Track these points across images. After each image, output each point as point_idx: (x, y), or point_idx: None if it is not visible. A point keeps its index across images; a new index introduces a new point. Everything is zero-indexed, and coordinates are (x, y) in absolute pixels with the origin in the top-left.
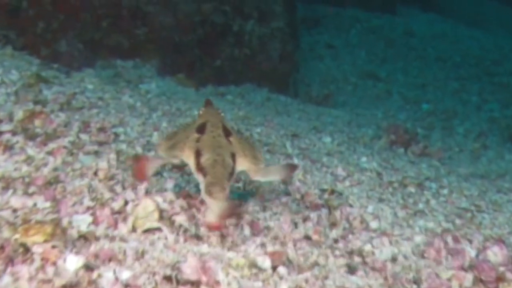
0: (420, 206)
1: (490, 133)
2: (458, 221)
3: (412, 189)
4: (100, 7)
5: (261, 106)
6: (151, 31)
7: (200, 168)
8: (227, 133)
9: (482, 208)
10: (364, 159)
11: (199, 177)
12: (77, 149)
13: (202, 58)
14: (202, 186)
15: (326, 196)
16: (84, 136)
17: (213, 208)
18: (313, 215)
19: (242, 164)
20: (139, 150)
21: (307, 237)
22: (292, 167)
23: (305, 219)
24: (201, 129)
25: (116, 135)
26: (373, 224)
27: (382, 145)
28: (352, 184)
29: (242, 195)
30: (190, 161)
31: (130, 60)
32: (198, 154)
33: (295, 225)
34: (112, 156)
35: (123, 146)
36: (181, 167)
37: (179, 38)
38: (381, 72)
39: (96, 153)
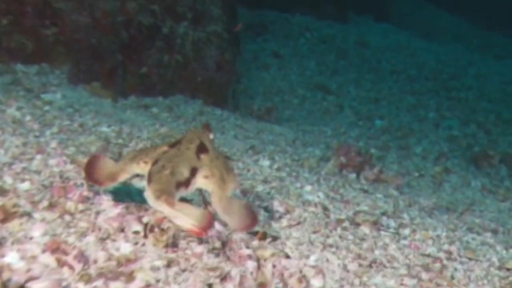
0: (377, 253)
1: (451, 154)
2: (424, 275)
3: (366, 229)
4: None
5: (191, 121)
6: (62, 31)
7: (148, 176)
8: (201, 150)
9: (453, 256)
10: (308, 188)
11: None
12: None
13: (125, 65)
14: (145, 194)
15: (255, 242)
16: None
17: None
18: (235, 271)
19: (206, 184)
20: (8, 180)
21: None
22: (252, 220)
23: (224, 278)
24: (174, 144)
25: None
26: (316, 283)
27: (330, 169)
28: (291, 224)
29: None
30: (145, 173)
31: (34, 65)
32: (153, 164)
33: (209, 287)
34: None
35: None
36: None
37: (98, 41)
38: (332, 84)
39: None
